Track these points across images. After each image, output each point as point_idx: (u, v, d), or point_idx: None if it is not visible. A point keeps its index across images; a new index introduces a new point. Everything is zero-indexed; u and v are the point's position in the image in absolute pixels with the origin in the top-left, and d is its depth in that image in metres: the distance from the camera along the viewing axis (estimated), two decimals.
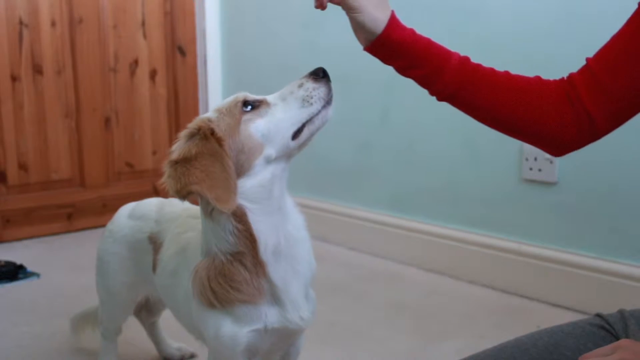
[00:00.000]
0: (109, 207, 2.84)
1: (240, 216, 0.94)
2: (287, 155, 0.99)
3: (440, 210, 2.24)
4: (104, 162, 2.83)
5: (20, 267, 2.17)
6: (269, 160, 0.96)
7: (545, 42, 1.90)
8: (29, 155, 2.62)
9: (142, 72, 2.89)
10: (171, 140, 3.01)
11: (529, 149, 1.94)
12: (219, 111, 0.98)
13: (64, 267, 2.26)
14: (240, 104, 0.97)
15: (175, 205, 1.21)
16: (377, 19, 1.00)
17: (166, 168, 0.95)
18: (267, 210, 0.96)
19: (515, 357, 0.92)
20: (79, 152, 2.76)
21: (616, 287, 1.78)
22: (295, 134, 0.98)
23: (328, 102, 1.00)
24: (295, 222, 1.02)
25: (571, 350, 0.91)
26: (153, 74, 2.93)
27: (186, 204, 1.10)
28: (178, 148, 0.96)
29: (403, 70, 1.04)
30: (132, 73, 2.87)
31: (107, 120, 2.82)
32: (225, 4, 3.03)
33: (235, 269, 0.95)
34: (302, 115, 0.98)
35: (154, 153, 2.97)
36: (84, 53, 2.72)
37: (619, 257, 1.81)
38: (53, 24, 2.63)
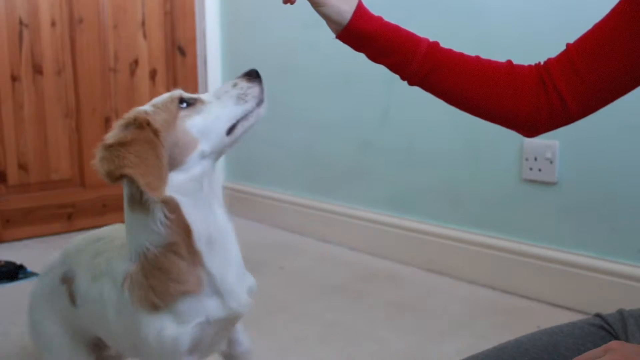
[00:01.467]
0: (109, 207, 2.84)
1: (172, 207, 0.95)
2: (219, 152, 1.02)
3: (440, 210, 2.24)
4: None
5: (20, 267, 2.17)
6: (202, 156, 0.98)
7: (545, 41, 1.90)
8: (29, 155, 2.62)
9: (142, 72, 2.89)
10: None
11: (529, 148, 1.94)
12: (155, 106, 1.01)
13: None
14: (176, 101, 1.00)
15: (76, 240, 1.22)
16: (342, 11, 1.01)
17: (99, 151, 0.96)
18: (198, 203, 0.98)
19: (515, 358, 0.92)
20: (79, 152, 2.76)
21: (616, 287, 1.78)
22: (230, 130, 1.01)
23: (261, 100, 1.04)
24: (222, 214, 1.02)
25: (571, 350, 0.91)
26: (153, 74, 2.93)
27: (85, 236, 1.16)
28: (112, 135, 0.98)
29: (373, 58, 1.06)
30: (132, 73, 2.87)
31: (107, 120, 2.82)
32: (225, 4, 3.03)
33: (170, 260, 0.96)
34: (237, 111, 1.02)
35: None
36: (84, 53, 2.72)
37: (619, 257, 1.81)
38: (53, 24, 2.63)
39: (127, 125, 0.98)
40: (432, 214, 2.27)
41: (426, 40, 1.04)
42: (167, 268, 0.96)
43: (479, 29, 2.04)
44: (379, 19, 1.05)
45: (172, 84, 2.99)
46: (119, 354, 1.28)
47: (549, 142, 1.89)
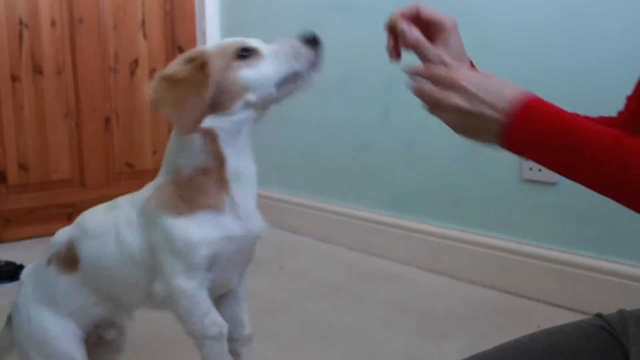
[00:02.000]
0: None
1: (212, 138, 1.04)
2: (264, 104, 1.07)
3: (440, 210, 2.24)
4: (104, 162, 2.83)
5: (20, 267, 2.17)
6: (247, 105, 1.05)
7: (545, 43, 1.90)
8: (29, 155, 2.62)
9: (142, 72, 2.90)
10: None
11: None
12: (217, 48, 1.06)
13: None
14: (235, 50, 1.05)
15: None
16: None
17: (156, 79, 1.04)
18: (233, 143, 1.06)
19: (516, 358, 0.92)
20: (79, 152, 2.76)
21: (616, 287, 1.78)
22: (279, 86, 1.06)
23: (314, 65, 1.09)
24: (250, 159, 1.11)
25: (571, 351, 0.91)
26: (153, 74, 2.92)
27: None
28: (171, 66, 1.04)
29: None
30: (132, 73, 2.87)
31: (107, 120, 2.82)
32: (225, 4, 3.03)
33: (201, 180, 1.05)
34: (286, 69, 1.06)
35: (154, 153, 2.97)
36: (84, 53, 2.72)
37: (619, 257, 1.81)
38: (53, 24, 2.63)
39: (187, 61, 1.04)
40: (432, 214, 2.27)
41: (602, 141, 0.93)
42: (198, 185, 1.05)
43: (478, 32, 2.04)
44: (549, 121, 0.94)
45: None
46: (120, 320, 1.27)
47: None
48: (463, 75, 0.87)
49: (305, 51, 1.07)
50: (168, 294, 1.07)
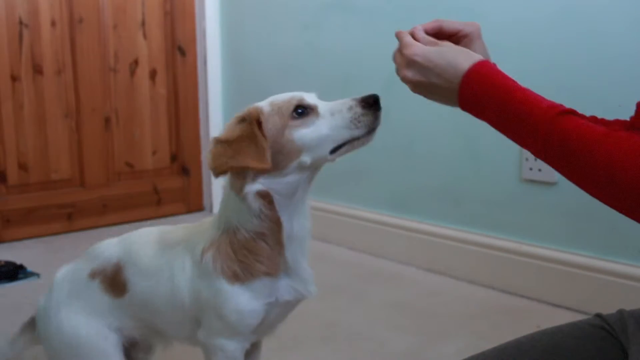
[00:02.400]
0: (109, 207, 2.84)
1: (268, 201, 1.02)
2: (318, 166, 1.06)
3: (440, 210, 2.24)
4: (104, 162, 2.83)
5: (20, 267, 2.17)
6: (302, 166, 1.02)
7: (544, 44, 1.90)
8: (29, 155, 2.62)
9: (142, 72, 2.89)
10: (171, 141, 3.03)
11: None
12: (272, 106, 1.03)
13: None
14: (293, 107, 1.02)
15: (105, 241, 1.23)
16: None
17: (210, 145, 1.03)
18: (289, 204, 1.04)
19: (516, 359, 0.92)
20: (79, 152, 2.76)
21: (616, 287, 1.78)
22: (333, 150, 1.04)
23: (372, 129, 1.06)
24: (306, 216, 1.09)
25: (571, 351, 0.91)
26: (153, 74, 2.93)
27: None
28: (226, 128, 1.04)
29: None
30: (132, 73, 2.87)
31: (107, 120, 2.82)
32: (225, 4, 3.03)
33: (259, 245, 1.04)
34: (345, 135, 1.03)
35: (154, 153, 2.97)
36: (84, 53, 2.72)
37: (619, 257, 1.81)
38: (53, 24, 2.63)
39: (241, 121, 1.03)
40: (432, 214, 2.27)
41: (545, 112, 0.99)
42: (254, 250, 1.03)
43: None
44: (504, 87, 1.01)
45: (172, 84, 3.00)
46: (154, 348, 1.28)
47: None
48: (418, 51, 0.95)
49: (365, 119, 1.03)
50: (208, 346, 1.09)
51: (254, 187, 1.01)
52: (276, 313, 1.10)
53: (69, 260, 2.54)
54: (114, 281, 1.15)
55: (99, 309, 1.17)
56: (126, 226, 2.85)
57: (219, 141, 1.02)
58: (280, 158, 1.01)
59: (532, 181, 1.97)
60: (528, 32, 1.94)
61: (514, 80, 0.90)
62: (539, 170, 1.93)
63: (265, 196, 1.02)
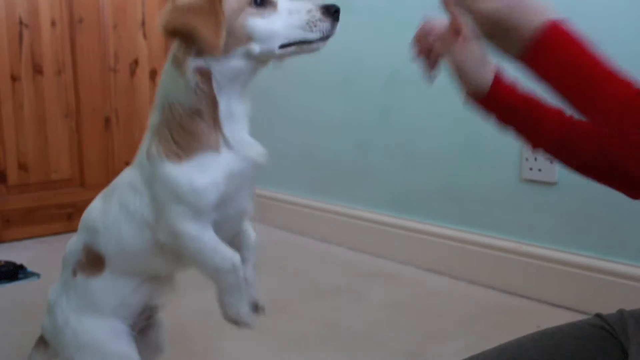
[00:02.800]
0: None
1: (206, 78, 1.01)
2: (265, 59, 1.06)
3: (440, 210, 2.24)
4: (104, 162, 2.83)
5: (20, 267, 2.17)
6: (248, 54, 1.03)
7: None
8: (29, 155, 2.62)
9: (142, 72, 2.90)
10: None
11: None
12: None
13: None
14: None
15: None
16: (481, 77, 1.00)
17: (166, 8, 1.01)
18: (228, 87, 1.04)
19: (516, 359, 0.92)
20: (79, 152, 2.76)
21: (616, 287, 1.78)
22: (283, 46, 1.04)
23: (326, 37, 1.05)
24: (246, 101, 1.10)
25: (571, 351, 0.91)
26: (153, 74, 2.93)
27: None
28: None
29: (503, 120, 1.05)
30: (132, 73, 2.87)
31: (107, 120, 2.82)
32: None
33: (194, 122, 1.03)
34: (297, 35, 1.03)
35: None
36: (84, 53, 2.72)
37: (619, 257, 1.81)
38: (53, 24, 2.63)
39: None
40: (432, 214, 2.27)
41: (555, 116, 1.00)
42: (189, 128, 1.03)
43: None
44: (512, 96, 1.02)
45: None
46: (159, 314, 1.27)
47: None
48: None
49: (322, 23, 1.04)
50: (173, 239, 1.06)
51: (195, 62, 1.00)
52: (235, 185, 1.07)
53: None
54: (91, 261, 1.16)
55: (97, 298, 1.16)
56: None
57: (178, 5, 1.00)
58: (230, 41, 1.00)
59: (532, 181, 1.97)
60: None
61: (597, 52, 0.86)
62: (539, 170, 1.93)
63: (204, 74, 1.01)
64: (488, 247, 2.08)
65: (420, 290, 2.06)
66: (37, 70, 2.61)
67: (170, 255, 1.11)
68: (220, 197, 1.04)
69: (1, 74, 2.53)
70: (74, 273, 1.18)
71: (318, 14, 1.03)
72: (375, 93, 2.39)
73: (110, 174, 2.86)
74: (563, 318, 1.11)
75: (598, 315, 0.98)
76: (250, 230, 1.21)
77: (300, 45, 1.05)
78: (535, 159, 1.93)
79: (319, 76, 2.59)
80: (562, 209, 1.91)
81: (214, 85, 1.02)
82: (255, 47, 1.02)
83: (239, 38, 1.01)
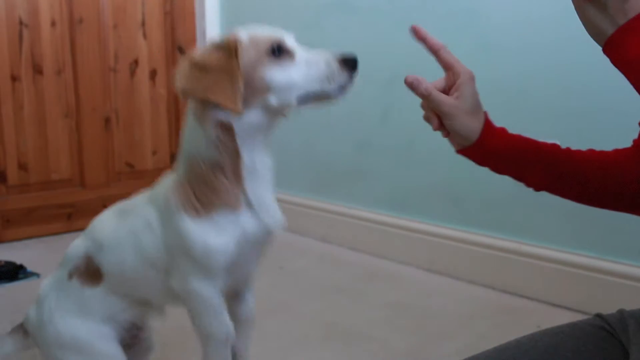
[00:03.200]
0: (109, 207, 2.84)
1: (227, 131, 1.00)
2: (282, 110, 1.04)
3: (440, 210, 2.24)
4: (104, 162, 2.83)
5: (20, 267, 2.17)
6: (267, 106, 1.01)
7: (545, 40, 1.90)
8: (29, 155, 2.62)
9: (142, 72, 2.90)
10: (171, 140, 3.02)
11: None
12: (251, 38, 1.01)
13: None
14: (271, 45, 1.00)
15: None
16: (471, 127, 0.99)
17: (182, 63, 1.00)
18: (250, 139, 1.03)
19: (516, 359, 0.92)
20: (79, 152, 2.76)
21: (616, 287, 1.78)
22: (302, 99, 1.03)
23: (344, 90, 1.04)
24: (266, 155, 1.08)
25: (571, 351, 0.91)
26: (153, 74, 2.93)
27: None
28: (203, 52, 1.01)
29: (496, 171, 1.07)
30: (132, 73, 2.87)
31: (107, 120, 2.82)
32: (225, 4, 3.03)
33: (215, 176, 1.02)
34: (315, 87, 1.02)
35: (154, 153, 2.97)
36: (84, 53, 2.72)
37: (619, 257, 1.81)
38: (53, 24, 2.63)
39: (219, 48, 1.00)
40: (432, 214, 2.27)
41: (550, 149, 1.03)
42: (211, 183, 1.02)
43: (478, 32, 2.04)
44: (503, 133, 1.03)
45: (172, 84, 2.99)
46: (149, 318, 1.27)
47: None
48: None
49: (340, 75, 1.02)
50: (183, 292, 1.07)
51: (216, 116, 0.99)
52: (247, 250, 1.06)
53: None
54: (89, 271, 1.15)
55: (87, 305, 1.16)
56: None
57: (194, 64, 0.99)
58: (248, 93, 0.98)
59: None
60: (530, 31, 1.94)
61: None
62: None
63: (226, 127, 1.00)
64: (488, 247, 2.08)
65: (420, 290, 2.06)
66: (37, 70, 2.61)
67: (169, 294, 1.11)
68: (231, 260, 1.04)
69: (1, 74, 2.53)
70: (70, 276, 1.18)
71: (337, 66, 1.02)
72: (375, 93, 2.39)
73: (110, 174, 2.86)
74: (563, 318, 1.11)
75: (598, 315, 0.98)
76: (251, 300, 1.22)
77: (318, 98, 1.03)
78: None
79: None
80: (562, 209, 1.91)
81: (237, 138, 1.01)
82: (273, 99, 1.00)
83: (257, 90, 0.99)
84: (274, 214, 1.08)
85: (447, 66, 0.99)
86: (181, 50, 3.00)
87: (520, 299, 1.97)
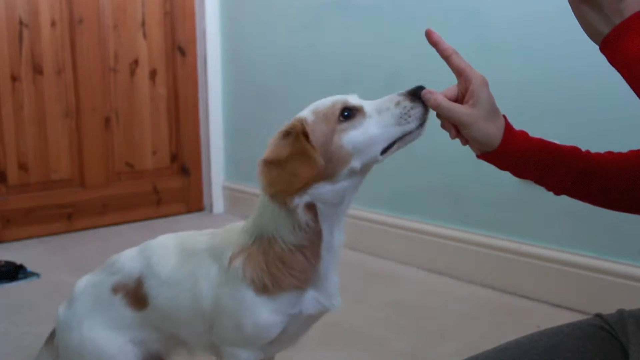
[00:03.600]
0: (109, 207, 2.84)
1: (313, 214, 0.98)
2: (369, 169, 1.02)
3: (440, 210, 2.24)
4: (104, 162, 2.83)
5: (20, 267, 2.17)
6: (352, 172, 0.99)
7: (545, 41, 1.90)
8: (29, 155, 2.62)
9: (142, 72, 2.90)
10: (171, 140, 3.03)
11: None
12: (316, 114, 0.99)
13: (64, 267, 2.26)
14: (338, 111, 0.98)
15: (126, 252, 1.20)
16: (490, 134, 0.96)
17: (260, 166, 0.97)
18: (334, 212, 1.01)
19: (516, 359, 0.92)
20: (79, 152, 2.76)
21: (616, 287, 1.78)
22: (385, 149, 1.00)
23: (423, 121, 1.00)
24: (342, 227, 1.07)
25: (571, 351, 0.91)
26: (153, 74, 2.93)
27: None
28: (272, 146, 0.98)
29: (518, 175, 1.03)
30: (132, 73, 2.87)
31: (107, 120, 2.82)
32: (225, 4, 3.03)
33: (296, 258, 0.99)
34: (396, 132, 0.98)
35: (154, 153, 2.97)
36: (84, 53, 2.72)
37: (619, 257, 1.81)
38: (53, 24, 2.63)
39: (286, 135, 0.97)
40: (432, 214, 2.27)
41: (570, 151, 1.01)
42: (290, 263, 1.00)
43: (479, 33, 2.04)
44: (525, 136, 0.99)
45: (172, 84, 3.00)
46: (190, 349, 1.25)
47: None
48: None
49: (415, 109, 0.97)
50: (221, 349, 1.08)
51: (302, 199, 0.97)
52: (298, 326, 1.07)
53: (69, 260, 2.56)
54: (136, 295, 1.13)
55: (122, 323, 1.15)
56: (126, 226, 2.85)
57: (269, 163, 0.96)
58: (330, 166, 0.96)
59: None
60: (529, 33, 1.94)
61: None
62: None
63: (311, 208, 0.98)
64: (488, 247, 2.08)
65: (420, 290, 2.06)
66: (37, 70, 2.61)
67: (207, 344, 1.11)
68: (281, 334, 1.04)
69: (1, 74, 2.53)
70: (115, 290, 1.15)
71: (408, 103, 0.98)
72: (375, 93, 2.38)
73: (110, 174, 2.86)
74: (563, 318, 1.11)
75: (598, 315, 0.98)
76: None
77: (401, 140, 0.99)
78: None
79: (319, 76, 2.59)
80: (562, 209, 1.91)
81: (320, 217, 0.99)
82: (357, 163, 0.98)
83: (340, 160, 0.97)
84: (333, 295, 1.06)
85: (458, 72, 0.96)
86: (181, 50, 3.00)
87: (520, 299, 1.97)
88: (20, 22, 2.56)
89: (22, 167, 2.62)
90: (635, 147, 1.62)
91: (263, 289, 0.99)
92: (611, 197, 1.02)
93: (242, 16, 2.96)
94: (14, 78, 2.56)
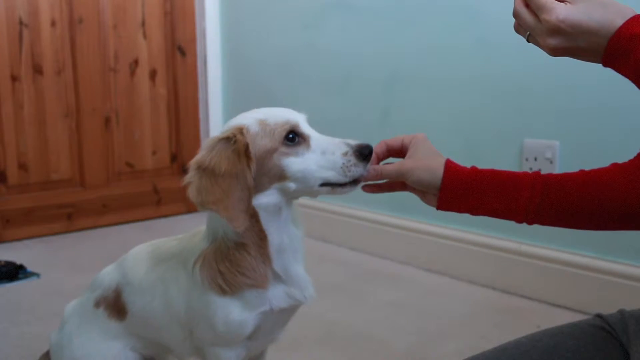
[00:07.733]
0: (109, 207, 2.84)
1: (252, 215, 0.98)
2: (301, 194, 1.03)
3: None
4: (104, 162, 2.83)
5: (20, 267, 2.17)
6: (284, 191, 0.99)
7: None
8: (29, 155, 2.62)
9: (142, 72, 2.90)
10: (171, 140, 3.03)
11: (529, 149, 1.94)
12: (262, 126, 0.99)
13: (64, 267, 2.27)
14: (286, 132, 0.99)
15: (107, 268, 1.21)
16: (431, 167, 1.01)
17: (192, 170, 0.97)
18: (275, 219, 1.01)
19: (516, 359, 0.92)
20: (79, 152, 2.76)
21: (616, 287, 1.78)
22: (320, 186, 1.02)
23: (357, 182, 1.05)
24: (296, 231, 1.06)
25: (571, 351, 0.91)
26: (153, 74, 2.93)
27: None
28: (208, 150, 0.97)
29: (478, 210, 1.02)
30: (132, 73, 2.87)
31: (107, 120, 2.82)
32: (225, 4, 3.03)
33: (241, 256, 1.00)
34: (329, 177, 1.01)
35: (154, 153, 2.97)
36: (84, 53, 2.72)
37: (619, 257, 1.81)
38: (53, 24, 2.63)
39: (227, 142, 0.97)
40: (432, 214, 2.26)
41: (528, 174, 0.99)
42: (237, 261, 1.00)
43: (476, 29, 2.04)
44: (473, 168, 1.02)
45: (172, 84, 3.00)
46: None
47: (549, 142, 1.89)
48: (562, 15, 0.84)
49: (356, 167, 1.01)
50: (204, 352, 1.08)
51: None
52: (273, 321, 1.07)
53: (69, 260, 2.56)
54: (116, 306, 1.15)
55: (109, 335, 1.16)
56: (126, 226, 2.85)
57: (202, 170, 0.95)
58: (264, 180, 0.98)
59: None
60: None
61: None
62: (539, 170, 1.93)
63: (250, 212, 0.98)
64: (488, 247, 2.08)
65: (420, 290, 2.06)
66: (37, 70, 2.61)
67: (190, 349, 1.12)
68: (254, 331, 1.04)
69: (1, 74, 2.53)
70: (97, 304, 1.17)
71: (353, 159, 1.01)
72: (375, 94, 2.39)
73: (110, 173, 2.86)
74: (563, 318, 1.11)
75: (598, 316, 0.98)
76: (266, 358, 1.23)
77: (332, 187, 1.02)
78: (535, 158, 1.93)
79: (319, 76, 2.59)
80: None
81: (262, 219, 0.99)
82: (291, 185, 0.98)
83: (274, 176, 0.98)
84: (304, 287, 1.07)
85: (401, 146, 1.07)
86: (181, 50, 3.00)
87: (520, 299, 1.97)
88: (20, 22, 2.56)
89: (22, 167, 2.62)
90: (635, 145, 1.62)
91: (221, 290, 1.00)
92: (584, 219, 0.97)
93: (242, 16, 2.96)
94: (14, 78, 2.56)
